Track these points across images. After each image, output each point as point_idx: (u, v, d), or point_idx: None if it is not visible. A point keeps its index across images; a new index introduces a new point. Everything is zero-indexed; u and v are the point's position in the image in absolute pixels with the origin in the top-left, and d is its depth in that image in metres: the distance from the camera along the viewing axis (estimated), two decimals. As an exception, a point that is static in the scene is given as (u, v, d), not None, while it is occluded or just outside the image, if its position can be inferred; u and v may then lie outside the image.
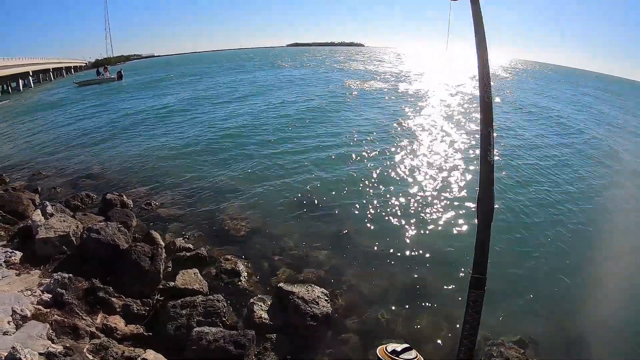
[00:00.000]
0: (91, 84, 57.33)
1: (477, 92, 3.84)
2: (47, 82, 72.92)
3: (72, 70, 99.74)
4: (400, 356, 2.36)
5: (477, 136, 2.81)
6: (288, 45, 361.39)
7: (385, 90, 37.11)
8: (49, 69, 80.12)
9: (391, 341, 2.56)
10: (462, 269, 8.36)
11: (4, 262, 7.68)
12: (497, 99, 30.69)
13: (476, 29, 2.66)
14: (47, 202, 10.24)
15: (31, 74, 65.13)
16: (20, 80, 61.07)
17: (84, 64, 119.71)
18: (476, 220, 2.51)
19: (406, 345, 2.44)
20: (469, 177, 13.62)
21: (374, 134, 19.83)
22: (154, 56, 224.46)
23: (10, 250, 8.13)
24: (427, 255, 9.20)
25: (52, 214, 9.50)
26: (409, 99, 31.84)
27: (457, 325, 6.62)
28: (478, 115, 2.52)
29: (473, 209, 9.93)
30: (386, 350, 2.41)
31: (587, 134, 23.37)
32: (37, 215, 9.35)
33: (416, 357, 2.39)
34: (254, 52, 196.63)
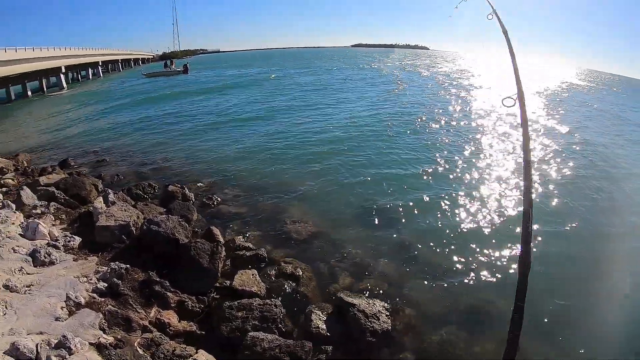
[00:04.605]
0: (158, 76, 59.47)
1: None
2: (116, 72, 76.48)
3: (140, 62, 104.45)
4: None
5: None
6: (352, 46, 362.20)
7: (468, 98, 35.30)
8: (118, 59, 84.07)
9: None
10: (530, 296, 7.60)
11: (63, 246, 7.70)
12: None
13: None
14: (110, 190, 10.39)
15: (100, 64, 68.39)
16: (90, 70, 64.34)
17: (152, 57, 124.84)
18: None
19: None
20: (554, 195, 12.34)
21: (451, 145, 18.03)
22: (219, 51, 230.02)
23: (70, 235, 8.18)
24: (497, 276, 8.27)
25: (113, 202, 9.56)
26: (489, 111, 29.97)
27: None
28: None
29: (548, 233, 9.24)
30: None
31: None
32: (99, 202, 9.45)
33: None
34: (320, 51, 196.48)
